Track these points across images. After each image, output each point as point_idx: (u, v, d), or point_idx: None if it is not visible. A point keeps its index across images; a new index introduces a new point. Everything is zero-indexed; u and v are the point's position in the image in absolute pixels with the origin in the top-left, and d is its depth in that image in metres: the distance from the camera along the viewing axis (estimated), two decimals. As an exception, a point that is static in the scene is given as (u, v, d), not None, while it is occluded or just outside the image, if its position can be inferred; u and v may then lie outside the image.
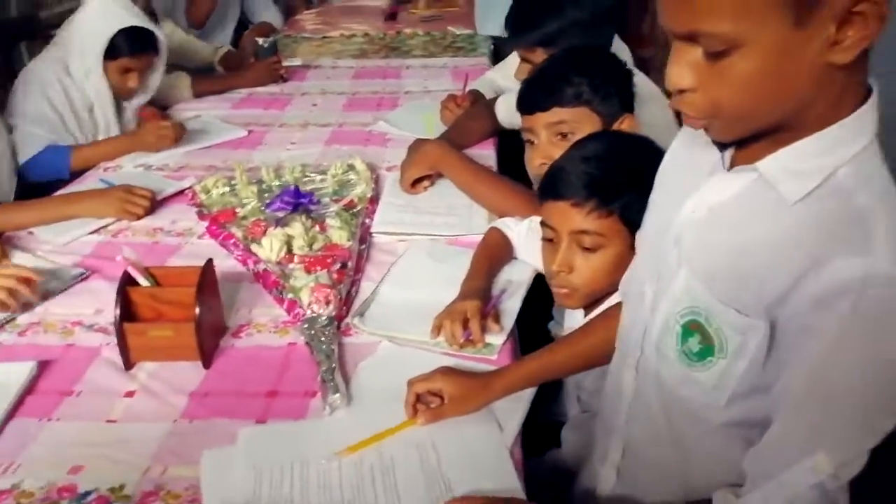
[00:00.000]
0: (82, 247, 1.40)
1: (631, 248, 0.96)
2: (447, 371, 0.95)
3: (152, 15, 2.33)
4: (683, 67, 0.61)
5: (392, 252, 1.36)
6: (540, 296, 1.21)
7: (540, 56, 1.43)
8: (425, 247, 1.36)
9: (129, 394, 1.01)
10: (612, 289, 1.01)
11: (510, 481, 0.84)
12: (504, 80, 2.08)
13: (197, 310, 1.03)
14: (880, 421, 0.61)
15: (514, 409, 0.96)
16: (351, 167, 1.66)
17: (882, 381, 0.59)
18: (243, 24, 3.12)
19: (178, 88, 2.21)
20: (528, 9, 1.46)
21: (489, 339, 1.07)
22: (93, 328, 1.15)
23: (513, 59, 2.07)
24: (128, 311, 1.07)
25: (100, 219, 1.46)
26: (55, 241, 1.40)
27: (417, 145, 1.66)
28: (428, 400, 0.94)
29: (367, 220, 1.44)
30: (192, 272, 1.08)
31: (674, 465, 0.77)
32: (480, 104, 1.91)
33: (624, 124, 1.19)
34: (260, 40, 2.41)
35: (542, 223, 1.05)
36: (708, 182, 0.70)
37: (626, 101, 1.21)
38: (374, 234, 1.41)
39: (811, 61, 0.57)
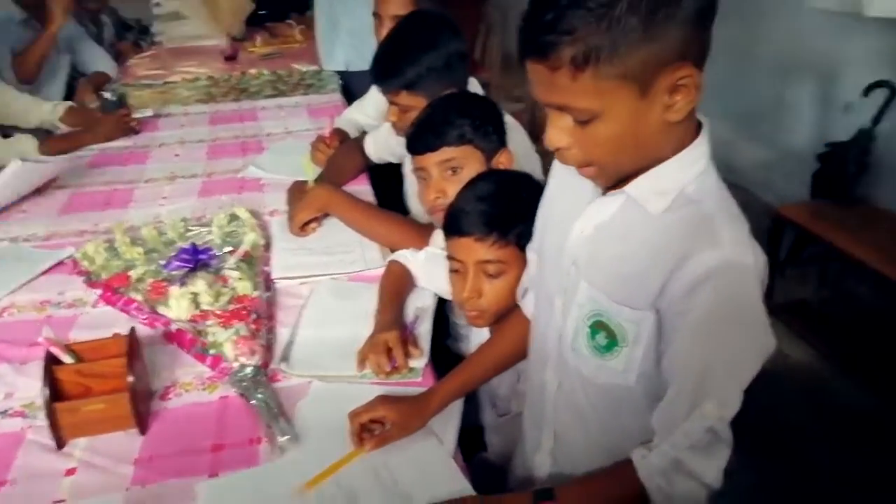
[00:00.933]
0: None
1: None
2: (385, 399, 1.05)
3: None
4: (559, 131, 0.77)
5: (297, 295, 1.42)
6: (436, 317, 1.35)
7: (405, 99, 1.56)
8: (329, 286, 1.44)
9: (70, 471, 1.01)
10: (514, 305, 1.17)
11: (460, 483, 0.96)
12: (365, 117, 2.19)
13: (130, 378, 1.05)
14: (744, 370, 0.79)
15: (447, 421, 1.08)
16: (234, 216, 1.69)
17: (740, 340, 0.78)
18: (74, 77, 3.00)
19: (23, 152, 2.11)
20: (389, 58, 1.58)
21: (412, 363, 1.18)
22: (8, 414, 1.13)
23: (371, 97, 2.20)
24: (54, 391, 1.06)
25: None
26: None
27: (299, 188, 1.73)
28: (371, 427, 1.03)
29: (266, 268, 1.50)
30: (114, 343, 1.10)
31: (601, 439, 0.93)
32: (350, 143, 2.01)
33: (502, 157, 1.35)
34: (106, 94, 2.35)
35: (449, 257, 1.18)
36: (589, 206, 0.87)
37: (501, 136, 1.36)
38: (275, 281, 1.46)
39: (655, 121, 0.75)
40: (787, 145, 2.94)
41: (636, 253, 0.82)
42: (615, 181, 0.83)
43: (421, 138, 1.32)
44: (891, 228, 2.32)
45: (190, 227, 1.67)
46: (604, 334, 0.85)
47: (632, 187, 0.81)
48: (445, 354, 1.42)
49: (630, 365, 0.84)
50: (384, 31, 1.94)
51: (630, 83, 0.71)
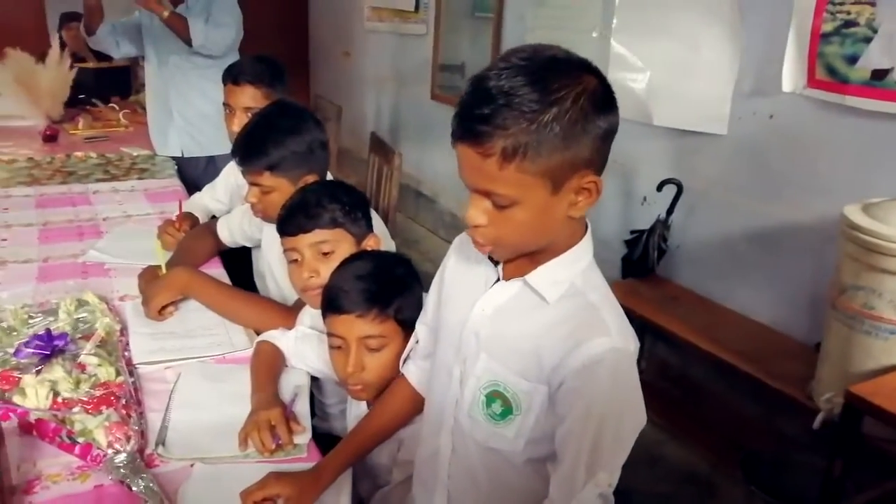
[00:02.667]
0: None
1: (404, 341, 1.22)
2: (277, 475, 1.07)
3: None
4: (478, 211, 0.88)
5: (162, 380, 1.39)
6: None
7: (267, 179, 1.62)
8: (197, 369, 1.42)
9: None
10: (394, 377, 1.25)
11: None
12: (215, 203, 2.21)
13: (-3, 472, 0.99)
14: (627, 443, 0.93)
15: (339, 492, 1.12)
16: (83, 302, 1.62)
17: (625, 418, 0.92)
18: None
19: None
20: (253, 139, 1.64)
21: (296, 439, 1.21)
22: None
23: (222, 182, 2.22)
24: None
25: None
26: None
27: (152, 272, 1.70)
28: None
29: (126, 353, 1.45)
30: (-22, 435, 1.02)
31: (491, 498, 1.02)
32: (201, 227, 2.01)
33: (370, 242, 1.44)
34: (-84, 174, 2.15)
35: (330, 334, 1.24)
36: (490, 290, 0.98)
37: (368, 223, 1.46)
38: (137, 366, 1.42)
39: (560, 214, 0.89)
40: (597, 232, 3.29)
41: (534, 333, 0.93)
42: (512, 257, 0.95)
43: (294, 220, 1.38)
44: (690, 302, 2.68)
45: (32, 314, 1.58)
46: (499, 403, 0.96)
47: (531, 277, 0.94)
48: (315, 434, 1.44)
49: (521, 431, 0.95)
50: (235, 121, 2.01)
51: (546, 180, 0.84)
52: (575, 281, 0.94)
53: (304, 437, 1.22)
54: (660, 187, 2.76)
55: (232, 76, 2.02)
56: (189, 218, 2.07)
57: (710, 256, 2.71)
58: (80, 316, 1.58)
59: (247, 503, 1.04)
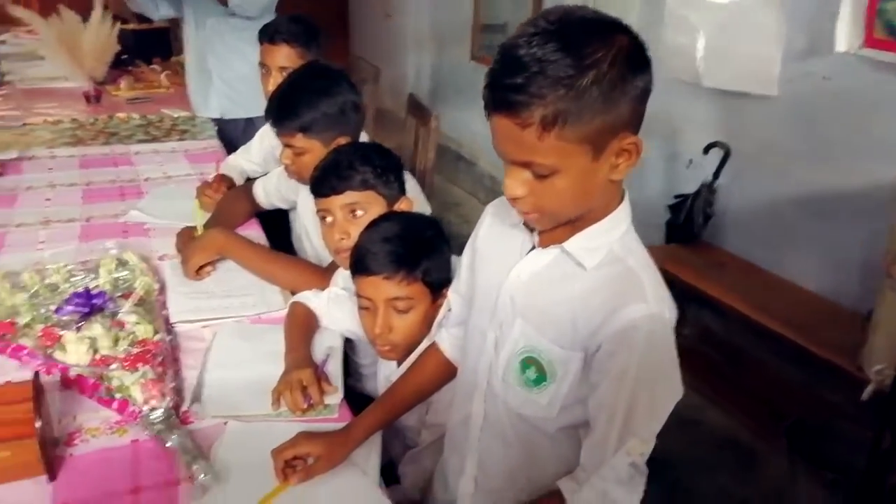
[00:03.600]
0: None
1: (433, 304, 1.21)
2: (308, 435, 1.08)
3: None
4: (517, 182, 0.85)
5: (200, 338, 1.41)
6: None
7: (300, 141, 1.61)
8: (232, 329, 1.43)
9: (-29, 527, 0.95)
10: (422, 338, 1.24)
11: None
12: (250, 164, 2.21)
13: (38, 423, 1.01)
14: (662, 412, 0.90)
15: (368, 452, 1.12)
16: (123, 261, 1.65)
17: (660, 385, 0.89)
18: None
19: None
20: (286, 101, 1.63)
21: (327, 400, 1.21)
22: None
23: (256, 144, 2.22)
24: (-52, 442, 1.00)
25: None
26: None
27: (189, 233, 1.71)
28: (294, 464, 1.05)
29: (164, 312, 1.47)
30: (21, 388, 1.05)
31: (523, 466, 1.01)
32: (238, 188, 2.01)
33: (402, 205, 1.42)
34: (-36, 135, 2.20)
35: (358, 294, 1.23)
36: (526, 256, 0.96)
37: (401, 185, 1.44)
38: (175, 325, 1.44)
39: (601, 179, 0.86)
40: (640, 197, 3.22)
41: (571, 299, 0.91)
42: (554, 225, 0.92)
43: (326, 181, 1.37)
44: (736, 269, 2.61)
45: (74, 272, 1.60)
46: (534, 369, 0.94)
47: (569, 244, 0.91)
48: (348, 394, 1.45)
49: (554, 399, 0.93)
50: (271, 81, 2.00)
51: (587, 146, 0.81)
52: (613, 247, 0.91)
53: (335, 398, 1.22)
54: (706, 150, 2.68)
55: (268, 35, 2.00)
56: (225, 180, 2.08)
57: (758, 222, 2.63)
58: (120, 275, 1.60)
59: (278, 461, 1.04)
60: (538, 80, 0.77)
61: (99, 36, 3.12)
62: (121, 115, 3.01)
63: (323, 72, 1.66)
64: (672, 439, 2.44)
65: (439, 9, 4.74)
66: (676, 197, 2.82)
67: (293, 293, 1.52)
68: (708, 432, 2.44)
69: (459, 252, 1.18)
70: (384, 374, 1.34)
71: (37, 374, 1.09)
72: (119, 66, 3.64)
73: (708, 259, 2.68)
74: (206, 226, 1.75)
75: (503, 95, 0.80)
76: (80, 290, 1.44)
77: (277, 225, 2.03)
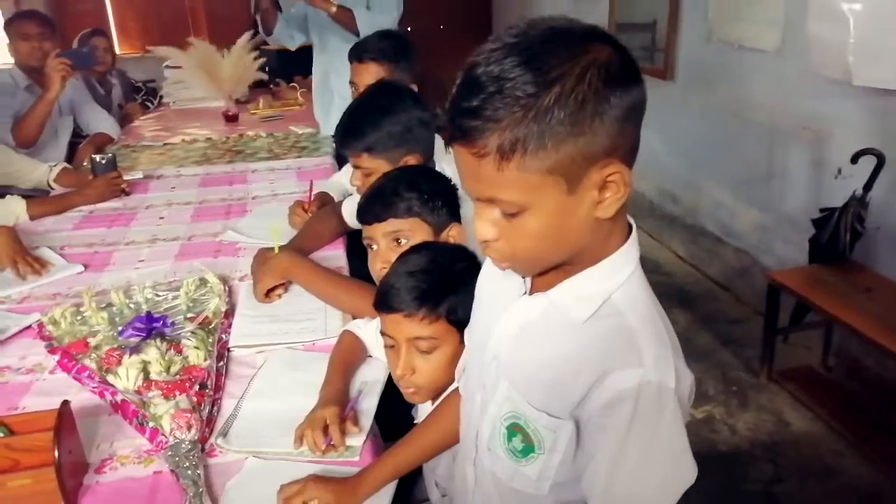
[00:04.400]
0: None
1: (461, 343, 1.11)
2: (317, 479, 1.03)
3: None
4: (486, 223, 0.74)
5: (251, 365, 1.41)
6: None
7: (366, 161, 1.59)
8: (283, 356, 1.42)
9: (-8, 550, 0.99)
10: (450, 380, 1.15)
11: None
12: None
13: (56, 453, 1.03)
14: (663, 498, 0.76)
15: (378, 499, 1.05)
16: (203, 281, 1.70)
17: (658, 467, 0.75)
18: (78, 136, 3.08)
19: (13, 213, 2.15)
20: (353, 121, 1.61)
21: (349, 441, 1.15)
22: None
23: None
24: (-19, 465, 1.06)
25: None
26: None
27: (264, 254, 1.74)
28: None
29: (224, 336, 1.49)
30: (48, 416, 1.09)
31: None
32: (328, 208, 2.02)
33: (452, 232, 1.34)
34: (97, 156, 2.39)
35: (382, 332, 1.16)
36: (515, 304, 0.84)
37: (452, 211, 1.36)
38: (231, 349, 1.45)
39: (583, 217, 0.73)
40: (782, 209, 2.90)
41: (557, 360, 0.79)
42: (536, 272, 0.80)
43: (369, 208, 1.32)
44: (888, 295, 2.26)
45: (159, 293, 1.67)
46: (520, 438, 0.82)
47: (556, 292, 0.79)
48: (404, 423, 1.39)
49: (545, 473, 0.81)
50: None
51: (557, 177, 0.69)
52: (614, 297, 0.77)
53: (357, 439, 1.16)
54: (855, 158, 2.34)
55: (356, 54, 2.00)
56: (323, 197, 2.10)
57: (916, 241, 2.26)
58: (198, 296, 1.66)
59: (286, 503, 1.00)
60: (493, 101, 0.67)
61: (240, 61, 3.30)
62: (251, 133, 3.16)
63: (387, 90, 1.63)
64: (803, 488, 2.16)
65: (573, 9, 4.57)
66: (822, 211, 2.49)
67: (355, 318, 1.49)
68: (847, 484, 2.12)
69: None
70: (422, 412, 1.26)
71: (66, 402, 1.12)
72: (262, 85, 3.84)
73: (856, 282, 2.35)
74: (289, 246, 1.77)
75: (458, 121, 0.69)
76: (144, 313, 1.49)
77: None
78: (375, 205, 1.32)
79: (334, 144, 2.93)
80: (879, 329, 2.09)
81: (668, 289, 3.36)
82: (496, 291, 0.90)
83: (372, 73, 1.98)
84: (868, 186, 2.33)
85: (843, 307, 2.23)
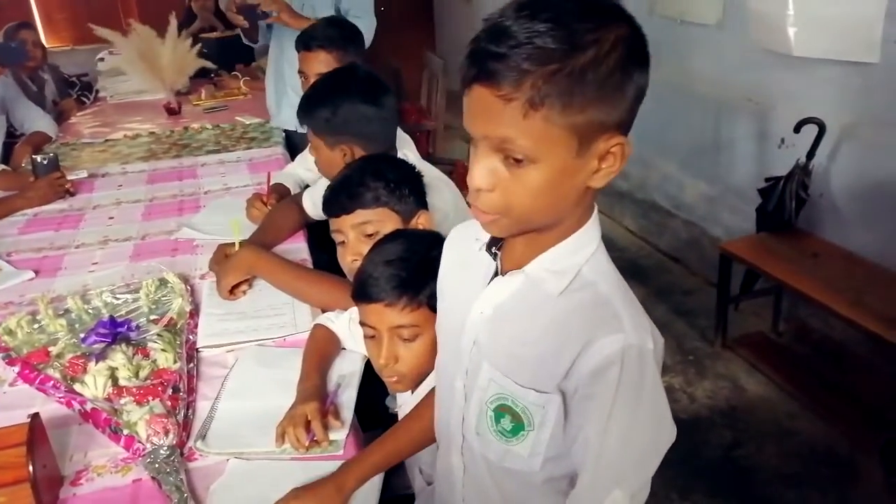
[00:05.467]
0: None
1: None
2: (298, 492, 1.02)
3: None
4: (485, 171, 0.74)
5: (223, 364, 1.38)
6: (374, 374, 1.31)
7: (310, 137, 1.66)
8: (254, 354, 1.40)
9: (-33, 573, 0.96)
10: (432, 367, 1.15)
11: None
12: (306, 172, 2.18)
13: (30, 468, 1.00)
14: (650, 459, 0.78)
15: (366, 494, 1.05)
16: (163, 282, 1.66)
17: (645, 426, 0.77)
18: (13, 136, 2.96)
19: (-47, 220, 2.06)
20: (305, 96, 1.67)
21: (332, 435, 1.15)
22: None
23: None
24: (-52, 486, 1.02)
25: None
26: None
27: (222, 251, 1.70)
28: None
29: (191, 336, 1.45)
30: (18, 431, 1.05)
31: None
32: (288, 200, 1.98)
33: (421, 220, 1.34)
34: (38, 157, 2.30)
35: (362, 322, 1.15)
36: (488, 287, 0.85)
37: (419, 199, 1.35)
38: (200, 350, 1.43)
39: (580, 182, 0.75)
40: (729, 180, 2.98)
41: (538, 335, 0.80)
42: (515, 232, 0.80)
43: (335, 200, 1.31)
44: (834, 260, 2.35)
45: (118, 295, 1.63)
46: (509, 418, 0.83)
47: (531, 266, 0.81)
48: (384, 414, 1.39)
49: (536, 449, 0.83)
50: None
51: (573, 137, 0.71)
52: (582, 270, 0.80)
53: (340, 433, 1.16)
54: (798, 127, 2.42)
55: (304, 42, 1.96)
56: (278, 190, 2.06)
57: (858, 206, 2.35)
58: (159, 297, 1.61)
59: None
60: (528, 50, 0.68)
61: (177, 50, 3.20)
62: (195, 125, 3.08)
63: (343, 75, 1.62)
64: (761, 450, 2.24)
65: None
66: (767, 180, 2.57)
67: (325, 311, 1.48)
68: (802, 443, 2.22)
69: None
70: (401, 401, 1.26)
71: (36, 414, 1.09)
72: (202, 74, 3.73)
73: (803, 248, 2.43)
74: (251, 240, 1.73)
75: (489, 64, 0.69)
76: (105, 317, 1.45)
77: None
78: (342, 196, 1.31)
79: (283, 134, 2.87)
80: (826, 292, 2.18)
81: (621, 263, 3.33)
82: (460, 280, 0.91)
83: (321, 61, 1.94)
84: (811, 155, 2.41)
85: (792, 273, 2.32)
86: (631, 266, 3.40)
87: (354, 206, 1.30)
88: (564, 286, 0.79)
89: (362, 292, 1.12)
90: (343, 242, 1.34)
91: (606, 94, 0.70)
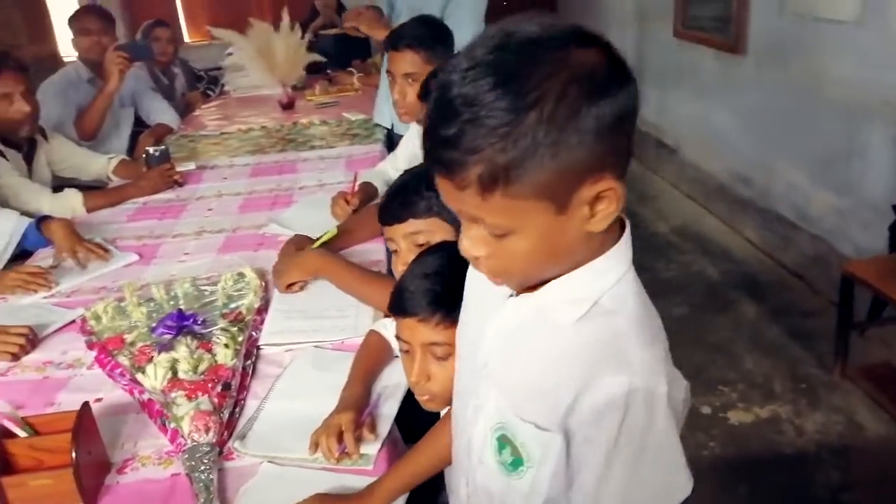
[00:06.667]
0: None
1: None
2: (322, 499, 1.00)
3: (41, 130, 2.37)
4: (473, 241, 0.70)
5: (279, 364, 1.40)
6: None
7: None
8: (310, 356, 1.40)
9: (13, 548, 1.01)
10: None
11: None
12: (395, 171, 2.17)
13: (73, 455, 1.04)
14: None
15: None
16: (241, 276, 1.70)
17: (651, 481, 0.69)
18: (141, 126, 3.16)
19: (70, 206, 2.22)
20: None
21: (364, 449, 1.13)
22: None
23: (402, 150, 2.18)
24: (7, 463, 1.08)
25: (-18, 362, 1.45)
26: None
27: (292, 247, 1.72)
28: None
29: (255, 333, 1.48)
30: (67, 417, 1.10)
31: None
32: (369, 207, 1.97)
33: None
34: (151, 149, 2.44)
35: (397, 336, 1.12)
36: (504, 308, 0.79)
37: None
38: (261, 347, 1.45)
39: (575, 233, 0.68)
40: (861, 193, 2.70)
41: (544, 366, 0.74)
42: (531, 284, 0.75)
43: (388, 209, 1.28)
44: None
45: (200, 287, 1.68)
46: (509, 451, 0.77)
47: (543, 293, 0.74)
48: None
49: (536, 488, 0.76)
50: (396, 88, 1.95)
51: (544, 200, 0.64)
52: (602, 298, 0.71)
53: (372, 447, 1.13)
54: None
55: (392, 42, 1.94)
56: (366, 189, 2.07)
57: None
58: (234, 291, 1.66)
59: None
60: (470, 130, 0.61)
61: (289, 44, 3.30)
62: (304, 121, 3.16)
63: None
64: (874, 497, 2.01)
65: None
66: (903, 195, 2.31)
67: (387, 316, 1.46)
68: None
69: None
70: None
71: (86, 403, 1.13)
72: (319, 70, 3.84)
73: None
74: (331, 241, 1.74)
75: (437, 153, 0.65)
76: (182, 308, 1.50)
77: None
78: (394, 205, 1.28)
79: (385, 131, 2.88)
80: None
81: (737, 277, 3.20)
82: (483, 295, 0.85)
83: (408, 61, 1.91)
84: (956, 169, 2.13)
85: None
86: (748, 281, 3.17)
87: (406, 216, 1.27)
88: (579, 315, 0.71)
89: (397, 305, 1.09)
90: (396, 251, 1.31)
91: (565, 149, 0.62)
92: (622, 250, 0.73)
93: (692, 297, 3.05)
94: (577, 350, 0.71)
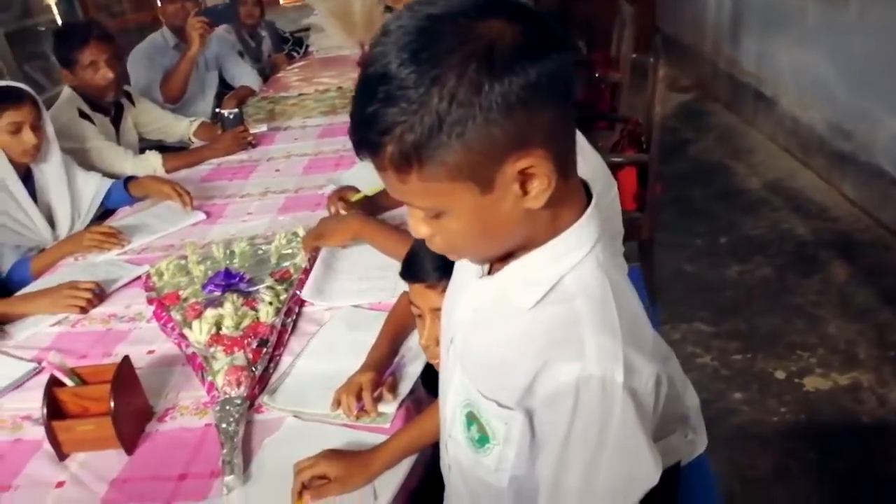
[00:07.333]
0: (43, 339, 1.51)
1: None
2: (329, 454, 1.05)
3: (127, 95, 2.51)
4: (416, 222, 0.69)
5: (319, 321, 1.45)
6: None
7: None
8: (345, 315, 1.44)
9: (60, 484, 1.11)
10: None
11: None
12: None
13: (111, 404, 1.13)
14: (614, 498, 0.68)
15: (391, 477, 1.05)
16: (295, 235, 1.76)
17: (613, 469, 0.67)
18: (227, 89, 3.27)
19: (151, 166, 2.35)
20: None
21: (382, 408, 1.16)
22: (39, 422, 1.25)
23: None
24: (58, 409, 1.18)
25: (54, 315, 1.58)
26: (17, 336, 1.53)
27: (344, 195, 1.77)
28: (314, 484, 1.03)
29: (299, 291, 1.53)
30: (109, 369, 1.19)
31: None
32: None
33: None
34: (225, 112, 2.53)
35: (411, 301, 1.13)
36: (471, 287, 0.78)
37: None
38: (305, 304, 1.50)
39: (511, 211, 0.65)
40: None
41: (502, 346, 0.73)
42: (487, 261, 0.75)
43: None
44: None
45: (257, 246, 1.76)
46: (476, 427, 0.77)
47: (503, 275, 0.72)
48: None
49: (502, 465, 0.75)
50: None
51: (464, 181, 0.62)
52: (565, 280, 0.69)
53: (390, 407, 1.16)
54: None
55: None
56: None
57: None
58: (287, 251, 1.72)
59: (297, 481, 1.03)
60: (383, 112, 0.59)
61: (366, 3, 3.31)
62: (380, 80, 3.17)
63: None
64: None
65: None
66: None
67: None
68: None
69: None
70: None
71: (126, 357, 1.22)
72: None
73: None
74: (369, 197, 1.77)
75: (357, 134, 0.63)
76: (235, 266, 1.57)
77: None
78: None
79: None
80: None
81: (830, 236, 3.00)
82: (462, 270, 0.84)
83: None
84: None
85: None
86: (843, 240, 2.97)
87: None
88: (538, 298, 0.69)
89: (407, 270, 1.10)
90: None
91: (475, 125, 0.58)
92: (582, 229, 0.69)
93: (778, 256, 2.89)
94: (534, 335, 0.69)
